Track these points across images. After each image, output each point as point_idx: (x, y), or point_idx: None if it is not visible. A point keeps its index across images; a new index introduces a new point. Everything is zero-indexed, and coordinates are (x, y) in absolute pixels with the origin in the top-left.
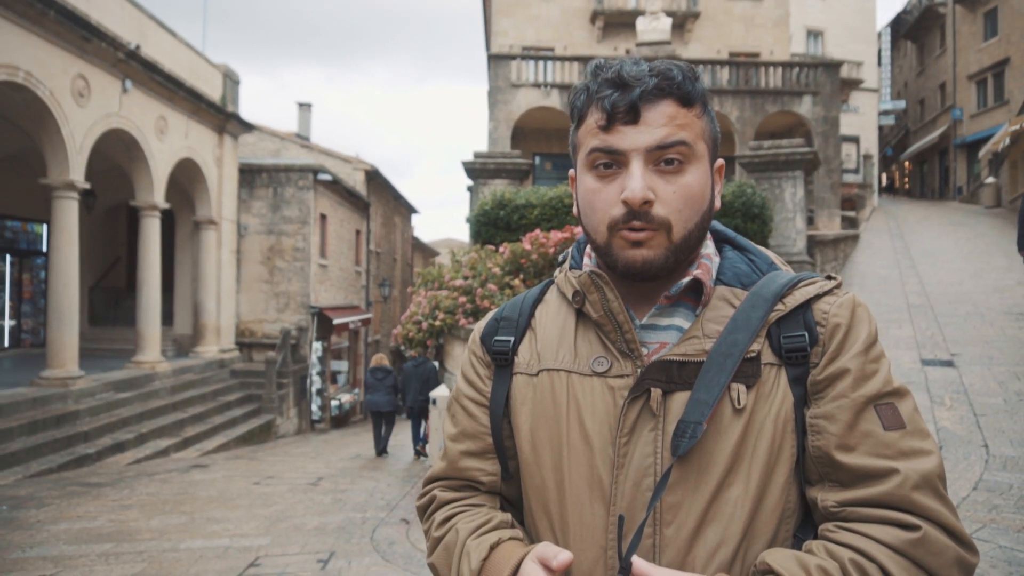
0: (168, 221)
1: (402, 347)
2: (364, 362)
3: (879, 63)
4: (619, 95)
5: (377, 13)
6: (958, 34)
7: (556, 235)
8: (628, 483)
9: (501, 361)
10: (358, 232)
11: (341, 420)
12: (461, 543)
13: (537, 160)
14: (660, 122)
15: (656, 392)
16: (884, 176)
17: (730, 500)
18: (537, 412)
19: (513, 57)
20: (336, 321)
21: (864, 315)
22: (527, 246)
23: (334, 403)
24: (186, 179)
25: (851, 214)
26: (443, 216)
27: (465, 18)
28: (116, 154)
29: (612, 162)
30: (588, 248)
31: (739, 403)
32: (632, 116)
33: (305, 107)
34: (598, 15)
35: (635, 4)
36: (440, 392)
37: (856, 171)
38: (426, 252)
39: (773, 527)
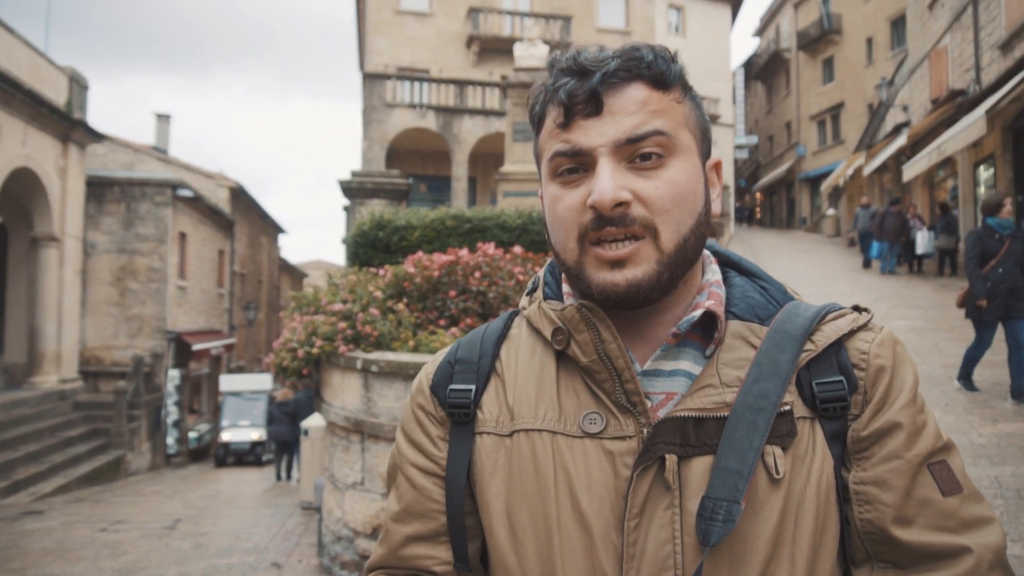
0: (0, 237)
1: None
2: None
3: (734, 101)
4: (576, 83)
5: (229, 25)
6: (801, 78)
7: (440, 257)
8: None
9: (460, 417)
10: (221, 252)
11: (200, 453)
12: None
13: (411, 181)
14: (629, 110)
15: (671, 459)
16: (738, 205)
17: None
18: (514, 485)
19: (388, 77)
20: (196, 347)
21: (905, 355)
22: (410, 269)
23: (192, 435)
24: (22, 191)
25: (712, 241)
26: (311, 237)
27: (324, 36)
28: None
29: (577, 166)
30: None
31: (778, 471)
32: (594, 106)
33: (164, 118)
34: (474, 40)
35: (510, 31)
36: (312, 422)
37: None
38: (295, 274)
39: None
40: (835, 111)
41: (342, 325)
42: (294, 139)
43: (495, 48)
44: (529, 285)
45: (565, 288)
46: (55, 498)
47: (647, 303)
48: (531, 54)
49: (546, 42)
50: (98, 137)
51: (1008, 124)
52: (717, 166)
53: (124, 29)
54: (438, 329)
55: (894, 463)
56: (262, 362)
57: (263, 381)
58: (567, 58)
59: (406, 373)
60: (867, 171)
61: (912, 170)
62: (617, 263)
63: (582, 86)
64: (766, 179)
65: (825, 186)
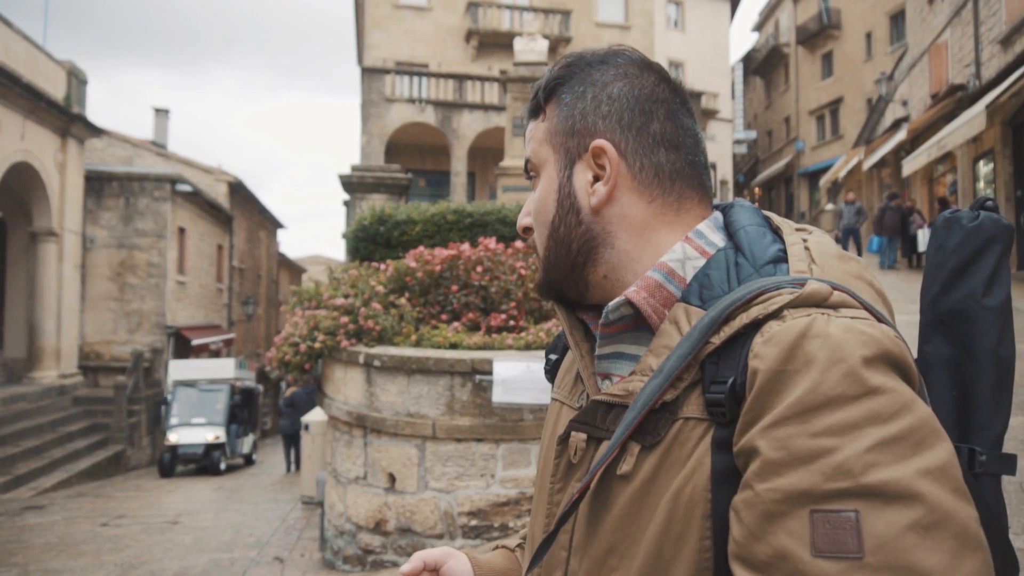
0: None
1: (268, 368)
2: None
3: (732, 96)
4: None
5: (222, 19)
6: (800, 73)
7: (441, 252)
8: None
9: (550, 380)
10: (220, 247)
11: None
12: None
13: (411, 176)
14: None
15: (576, 438)
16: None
17: None
18: (543, 443)
19: (387, 71)
20: (195, 342)
21: (820, 353)
22: (412, 263)
23: None
24: (21, 185)
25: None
26: (308, 232)
27: (316, 31)
28: None
29: None
30: None
31: (620, 468)
32: None
33: (162, 113)
34: (473, 34)
35: (509, 26)
36: (313, 417)
37: (714, 195)
38: (293, 269)
39: None
40: (834, 106)
41: (344, 320)
42: (288, 134)
43: (494, 42)
44: None
45: None
46: (56, 493)
47: (568, 302)
48: (531, 48)
49: (545, 36)
50: (97, 132)
51: (1008, 119)
52: (600, 150)
53: (116, 24)
54: (440, 323)
55: (746, 493)
56: (262, 357)
57: (224, 368)
58: None
59: (408, 367)
60: (866, 166)
61: (912, 165)
62: None
63: None
64: (764, 174)
65: (824, 181)
